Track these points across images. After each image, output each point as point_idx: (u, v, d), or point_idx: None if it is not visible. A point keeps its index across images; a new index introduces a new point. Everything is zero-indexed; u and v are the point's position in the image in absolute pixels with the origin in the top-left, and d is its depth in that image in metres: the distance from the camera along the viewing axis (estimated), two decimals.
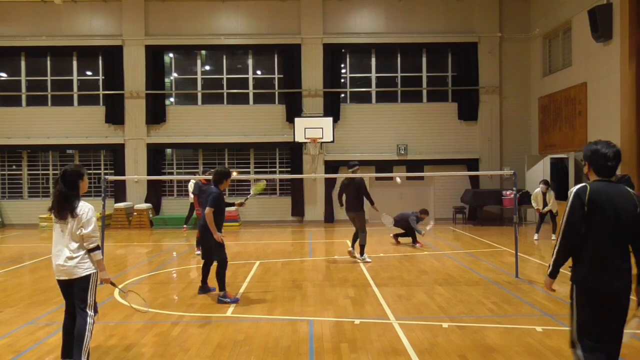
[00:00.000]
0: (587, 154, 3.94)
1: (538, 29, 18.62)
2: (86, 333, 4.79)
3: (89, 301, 4.88)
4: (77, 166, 5.01)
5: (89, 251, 4.87)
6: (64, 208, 4.79)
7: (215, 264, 7.95)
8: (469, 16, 19.38)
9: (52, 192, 5.01)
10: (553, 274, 4.05)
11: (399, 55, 19.70)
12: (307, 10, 19.16)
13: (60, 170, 4.97)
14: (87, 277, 4.87)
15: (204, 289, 8.27)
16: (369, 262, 11.01)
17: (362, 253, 11.19)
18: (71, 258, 4.80)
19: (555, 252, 3.92)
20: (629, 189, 3.89)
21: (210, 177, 11.27)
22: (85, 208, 4.85)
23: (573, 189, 3.85)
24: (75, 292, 4.88)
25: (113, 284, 5.24)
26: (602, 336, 3.81)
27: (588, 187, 3.80)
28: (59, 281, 4.91)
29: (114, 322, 6.68)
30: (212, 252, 7.86)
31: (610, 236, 3.75)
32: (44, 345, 5.79)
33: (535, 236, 14.17)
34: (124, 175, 18.78)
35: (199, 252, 11.45)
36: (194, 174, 19.51)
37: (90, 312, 4.87)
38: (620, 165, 4.15)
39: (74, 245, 4.82)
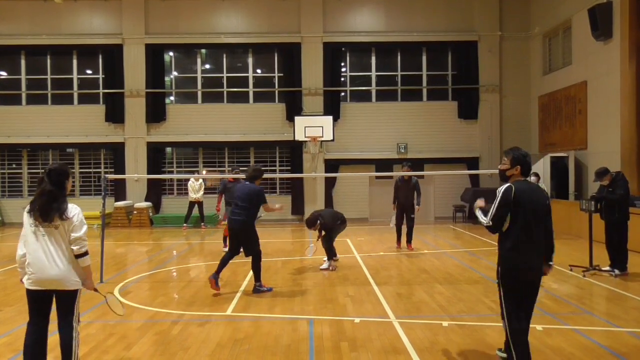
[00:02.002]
0: (521, 159, 4.76)
1: (538, 27, 18.61)
2: (74, 347, 4.52)
3: (75, 313, 4.58)
4: (63, 165, 4.69)
5: (78, 256, 4.50)
6: (51, 209, 4.41)
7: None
8: (469, 15, 19.36)
9: (37, 191, 4.51)
10: (484, 213, 4.87)
11: (399, 54, 19.69)
12: (307, 9, 19.13)
13: (44, 169, 4.59)
14: (77, 289, 4.57)
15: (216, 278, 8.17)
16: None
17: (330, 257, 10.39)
18: (64, 267, 4.45)
19: (490, 215, 4.72)
20: (540, 185, 4.83)
21: (237, 175, 11.66)
22: (76, 210, 4.53)
23: (502, 188, 4.70)
24: (62, 304, 4.55)
25: (96, 290, 4.86)
26: (521, 302, 4.69)
27: (513, 186, 4.65)
28: (36, 291, 4.49)
29: (114, 320, 6.67)
30: (253, 246, 8.25)
31: (529, 225, 4.61)
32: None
33: None
34: (124, 173, 18.77)
35: (226, 248, 11.80)
36: (194, 172, 19.54)
37: (75, 325, 4.57)
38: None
39: (66, 252, 4.48)
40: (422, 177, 18.89)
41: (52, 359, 5.20)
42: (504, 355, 4.95)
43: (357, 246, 13.02)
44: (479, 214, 4.95)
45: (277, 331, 6.25)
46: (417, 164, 18.90)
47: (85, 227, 4.55)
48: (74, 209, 4.53)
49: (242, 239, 8.28)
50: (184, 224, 17.06)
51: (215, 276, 8.11)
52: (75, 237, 4.48)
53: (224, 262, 8.27)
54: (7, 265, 10.84)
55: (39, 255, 4.45)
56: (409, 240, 12.35)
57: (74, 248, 4.49)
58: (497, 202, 4.65)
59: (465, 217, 18.77)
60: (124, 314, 5.51)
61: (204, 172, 19.51)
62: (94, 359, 5.44)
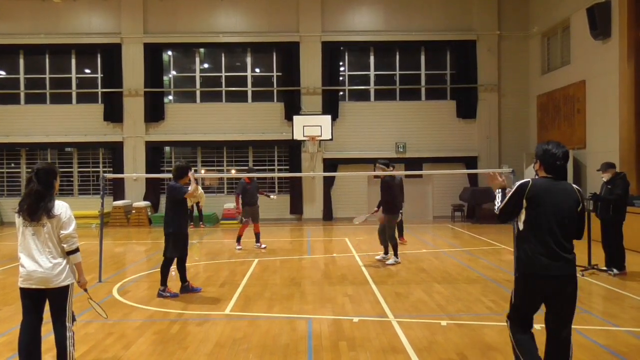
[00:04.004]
0: (539, 153, 4.26)
1: (537, 27, 18.62)
2: (68, 347, 4.51)
3: (67, 313, 4.55)
4: (51, 164, 4.67)
5: (69, 253, 4.49)
6: (38, 208, 4.39)
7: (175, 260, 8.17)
8: (467, 14, 19.36)
9: (25, 191, 4.50)
10: (502, 197, 4.39)
11: (397, 53, 19.69)
12: (306, 8, 19.13)
13: (32, 169, 4.56)
14: (67, 286, 4.53)
15: (186, 288, 8.26)
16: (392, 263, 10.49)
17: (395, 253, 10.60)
18: (53, 265, 4.43)
19: (500, 203, 4.35)
20: (574, 186, 4.21)
21: (252, 175, 11.74)
22: (63, 207, 4.50)
23: (518, 182, 4.23)
24: (53, 303, 4.54)
25: (86, 291, 4.88)
26: (530, 316, 4.17)
27: (530, 181, 4.16)
28: (28, 290, 4.49)
29: (113, 320, 6.67)
30: (167, 248, 8.00)
31: (549, 228, 4.03)
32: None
33: None
34: (122, 173, 18.75)
35: (239, 246, 12.39)
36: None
37: (69, 324, 4.56)
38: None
39: (56, 250, 4.46)
40: (420, 176, 18.97)
41: (49, 359, 5.21)
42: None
43: (355, 245, 13.03)
44: (497, 194, 4.46)
45: (275, 330, 6.25)
46: (416, 163, 18.97)
47: (74, 224, 4.52)
48: (61, 206, 4.50)
49: (165, 239, 8.06)
50: (191, 223, 17.13)
51: (186, 288, 8.22)
52: (65, 234, 4.46)
53: (181, 269, 8.23)
54: (6, 264, 10.83)
55: (28, 254, 4.47)
56: (400, 234, 12.92)
57: (65, 246, 4.49)
58: (510, 193, 4.23)
59: (463, 217, 18.79)
60: (107, 317, 5.56)
61: (203, 171, 19.50)
62: (92, 358, 5.44)
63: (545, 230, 4.04)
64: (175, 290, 8.15)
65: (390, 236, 10.43)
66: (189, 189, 7.77)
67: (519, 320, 4.21)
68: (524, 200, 4.13)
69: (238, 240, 12.56)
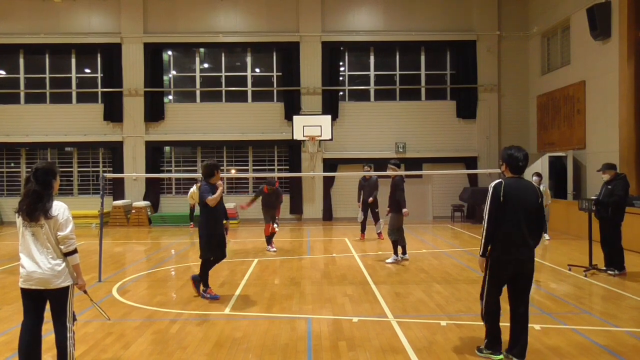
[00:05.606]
0: (505, 157, 5.12)
1: (536, 27, 18.62)
2: (69, 347, 4.51)
3: (68, 313, 4.54)
4: (50, 164, 4.60)
5: (66, 255, 4.46)
6: (36, 209, 4.36)
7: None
8: (467, 14, 19.36)
9: (23, 191, 4.46)
10: (484, 254, 5.06)
11: (397, 53, 19.68)
12: (306, 8, 19.13)
13: (31, 168, 4.51)
14: (67, 287, 4.50)
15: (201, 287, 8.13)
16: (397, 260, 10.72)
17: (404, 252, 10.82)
18: (52, 266, 4.41)
19: (483, 236, 4.99)
20: (534, 183, 5.07)
21: (281, 174, 11.67)
22: (61, 208, 4.45)
23: (492, 184, 5.05)
24: (53, 304, 4.52)
25: (86, 292, 4.85)
26: (498, 292, 5.09)
27: (503, 182, 5.00)
28: (28, 290, 4.47)
29: (112, 320, 6.66)
30: (200, 249, 7.88)
31: (517, 220, 4.90)
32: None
33: None
34: (122, 172, 18.76)
35: (273, 249, 12.26)
36: (192, 172, 19.50)
37: (69, 325, 4.55)
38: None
39: (55, 251, 4.43)
40: (420, 176, 18.95)
41: (49, 359, 5.21)
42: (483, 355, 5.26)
43: (355, 245, 13.02)
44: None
45: (275, 330, 6.25)
46: (416, 163, 18.96)
47: (71, 225, 4.48)
48: (58, 207, 4.46)
49: (199, 241, 7.87)
50: (191, 223, 17.19)
51: (196, 278, 8.02)
52: (62, 236, 4.43)
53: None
54: (6, 264, 10.82)
55: (28, 254, 4.44)
56: (362, 231, 14.04)
57: (62, 247, 4.45)
58: (489, 197, 4.98)
59: (463, 217, 18.78)
60: (109, 318, 5.60)
61: None
62: (92, 358, 5.44)
63: (513, 221, 4.90)
64: (216, 293, 7.97)
65: (395, 233, 10.45)
66: (215, 194, 7.54)
67: (490, 296, 5.05)
68: (501, 198, 4.92)
69: (268, 242, 12.31)
